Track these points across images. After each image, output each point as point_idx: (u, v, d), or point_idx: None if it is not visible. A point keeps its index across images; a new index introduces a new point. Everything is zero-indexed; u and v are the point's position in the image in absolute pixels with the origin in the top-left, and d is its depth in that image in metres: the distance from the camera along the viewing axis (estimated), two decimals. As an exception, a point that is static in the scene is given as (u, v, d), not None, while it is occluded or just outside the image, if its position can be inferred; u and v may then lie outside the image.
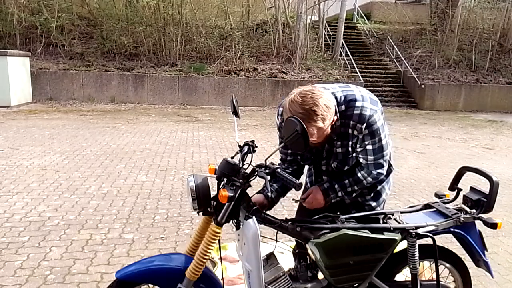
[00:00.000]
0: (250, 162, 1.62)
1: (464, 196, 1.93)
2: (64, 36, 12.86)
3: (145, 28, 12.91)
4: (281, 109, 1.86)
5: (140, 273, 1.59)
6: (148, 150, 6.24)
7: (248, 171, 1.60)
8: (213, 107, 12.45)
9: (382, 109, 1.79)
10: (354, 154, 1.80)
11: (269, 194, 1.87)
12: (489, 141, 8.30)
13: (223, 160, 1.62)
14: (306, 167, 2.09)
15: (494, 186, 1.79)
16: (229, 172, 1.60)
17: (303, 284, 1.82)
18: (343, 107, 1.71)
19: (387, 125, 1.83)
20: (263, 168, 1.59)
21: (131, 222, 3.50)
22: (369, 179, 1.82)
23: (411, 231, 1.78)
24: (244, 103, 12.67)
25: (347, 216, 1.80)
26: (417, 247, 1.80)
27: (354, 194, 1.91)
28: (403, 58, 14.52)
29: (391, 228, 1.77)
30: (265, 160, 1.61)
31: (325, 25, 15.48)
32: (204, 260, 1.59)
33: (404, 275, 2.23)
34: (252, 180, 1.60)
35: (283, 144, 1.54)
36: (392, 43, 15.22)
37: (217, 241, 1.60)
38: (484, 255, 1.87)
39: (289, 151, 1.95)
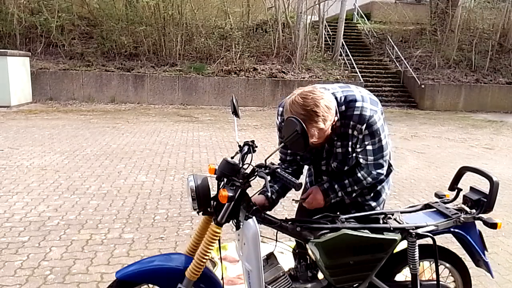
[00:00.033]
0: (250, 162, 1.62)
1: (464, 196, 1.93)
2: (64, 36, 12.86)
3: (145, 28, 12.91)
4: (281, 109, 1.86)
5: (140, 273, 1.59)
6: (148, 150, 6.24)
7: (248, 171, 1.60)
8: (213, 107, 12.45)
9: (382, 109, 1.79)
10: (354, 155, 1.80)
11: (269, 194, 1.88)
12: (489, 141, 8.30)
13: (223, 160, 1.62)
14: (306, 167, 2.09)
15: (494, 186, 1.79)
16: (229, 172, 1.60)
17: (303, 284, 1.82)
18: (343, 107, 1.71)
19: (387, 125, 1.83)
20: (263, 168, 1.59)
21: (131, 222, 3.50)
22: (369, 179, 1.83)
23: (411, 231, 1.78)
24: (244, 103, 12.67)
25: (347, 216, 1.80)
26: (417, 247, 1.80)
27: (354, 194, 1.91)
28: (403, 58, 14.52)
29: (391, 228, 1.77)
30: (265, 160, 1.61)
31: (325, 25, 15.48)
32: (204, 260, 1.59)
33: (404, 275, 2.23)
34: (252, 180, 1.60)
35: (283, 144, 1.54)
36: (392, 43, 15.22)
37: (217, 241, 1.60)
38: (484, 255, 1.87)
39: (289, 151, 1.95)
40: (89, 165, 5.29)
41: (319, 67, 14.03)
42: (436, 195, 2.05)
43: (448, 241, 2.96)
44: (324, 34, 15.37)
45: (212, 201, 1.63)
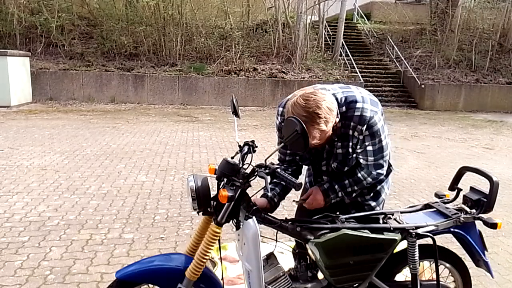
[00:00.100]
0: (250, 162, 1.62)
1: (464, 196, 1.93)
2: (64, 36, 12.86)
3: (145, 28, 12.91)
4: (280, 109, 1.86)
5: (140, 273, 1.59)
6: (148, 150, 6.24)
7: (248, 171, 1.60)
8: (213, 107, 12.45)
9: (382, 110, 1.79)
10: (354, 155, 1.80)
11: (269, 194, 1.88)
12: (489, 141, 8.30)
13: (223, 160, 1.62)
14: (305, 167, 2.09)
15: (494, 186, 1.79)
16: (229, 172, 1.59)
17: (303, 284, 1.82)
18: (343, 108, 1.71)
19: (386, 125, 1.83)
20: (263, 168, 1.59)
21: (131, 222, 3.50)
22: (369, 179, 1.83)
23: (411, 231, 1.78)
24: (244, 103, 12.67)
25: (347, 216, 1.80)
26: (417, 247, 1.80)
27: (354, 194, 1.91)
28: (403, 58, 14.52)
29: (391, 228, 1.77)
30: (265, 160, 1.61)
31: (325, 25, 15.48)
32: (204, 260, 1.59)
33: (404, 275, 2.23)
34: (252, 180, 1.60)
35: (283, 144, 1.54)
36: (392, 43, 15.22)
37: (217, 241, 1.60)
38: (484, 255, 1.87)
39: (288, 152, 1.95)
40: (89, 165, 5.29)
41: (319, 67, 14.03)
42: (436, 195, 2.05)
43: (448, 241, 2.96)
44: (324, 34, 15.37)
45: (212, 201, 1.63)
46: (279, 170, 1.56)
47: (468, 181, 2.49)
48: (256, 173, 1.58)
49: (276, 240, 1.77)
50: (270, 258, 1.81)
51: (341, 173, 1.87)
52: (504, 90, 14.10)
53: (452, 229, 1.84)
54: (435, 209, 1.94)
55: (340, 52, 14.67)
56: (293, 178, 1.50)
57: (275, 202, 1.90)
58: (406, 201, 4.30)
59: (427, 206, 1.98)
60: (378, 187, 1.97)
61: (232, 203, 1.57)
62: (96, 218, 3.56)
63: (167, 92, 12.47)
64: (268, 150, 6.50)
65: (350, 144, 1.77)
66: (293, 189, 1.56)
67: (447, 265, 1.97)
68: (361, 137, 1.73)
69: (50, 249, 2.95)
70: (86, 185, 4.46)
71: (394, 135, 8.53)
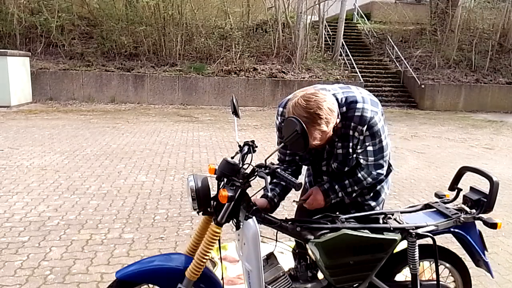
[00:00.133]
0: (250, 162, 1.62)
1: (464, 196, 1.93)
2: (64, 36, 12.86)
3: (145, 28, 12.91)
4: (280, 109, 1.86)
5: (140, 273, 1.59)
6: (148, 150, 6.24)
7: (248, 171, 1.60)
8: (213, 107, 12.45)
9: (383, 110, 1.79)
10: (354, 155, 1.80)
11: (269, 194, 1.88)
12: (489, 141, 8.30)
13: (223, 160, 1.62)
14: (305, 167, 2.09)
15: (494, 186, 1.79)
16: (229, 172, 1.59)
17: (303, 284, 1.82)
18: (344, 108, 1.71)
19: (386, 125, 1.83)
20: (263, 168, 1.59)
21: (131, 222, 3.50)
22: (369, 179, 1.83)
23: (411, 231, 1.78)
24: (244, 103, 12.67)
25: (347, 216, 1.80)
26: (417, 247, 1.80)
27: (354, 194, 1.91)
28: (403, 58, 14.52)
29: (391, 228, 1.77)
30: (265, 160, 1.61)
31: (325, 25, 15.48)
32: (204, 260, 1.59)
33: (404, 275, 2.23)
34: (252, 180, 1.60)
35: (283, 144, 1.54)
36: (392, 43, 15.22)
37: (217, 241, 1.60)
38: (484, 255, 1.87)
39: (288, 152, 1.95)
40: (89, 165, 5.29)
41: (319, 67, 14.03)
42: (436, 195, 2.05)
43: (448, 241, 2.96)
44: (324, 34, 15.37)
45: (212, 201, 1.63)
46: (279, 170, 1.56)
47: (468, 181, 2.49)
48: (256, 173, 1.58)
49: (276, 240, 1.77)
50: (270, 258, 1.81)
51: (341, 173, 1.87)
52: (504, 90, 14.10)
53: (452, 229, 1.84)
54: (435, 209, 1.94)
55: (340, 52, 14.67)
56: (293, 178, 1.50)
57: (275, 202, 1.90)
58: (406, 201, 4.30)
59: (427, 206, 1.98)
60: (378, 187, 1.97)
61: (232, 203, 1.57)
62: (96, 218, 3.56)
63: (167, 92, 12.47)
64: (268, 150, 6.50)
65: (351, 144, 1.77)
66: (293, 189, 1.56)
67: (447, 265, 1.97)
68: (361, 137, 1.73)
69: (50, 249, 2.95)
70: (86, 185, 4.46)
71: (394, 135, 8.53)
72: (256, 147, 1.72)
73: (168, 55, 13.24)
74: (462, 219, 1.83)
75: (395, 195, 4.51)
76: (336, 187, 1.84)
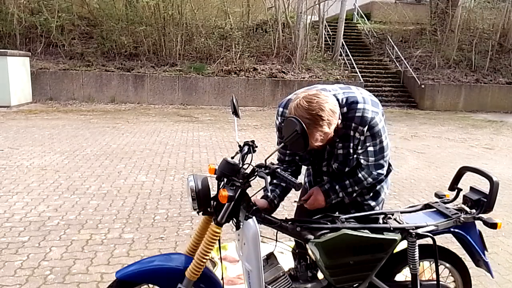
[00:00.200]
0: (250, 162, 1.62)
1: (464, 196, 1.93)
2: (64, 36, 12.86)
3: (145, 28, 12.91)
4: (280, 109, 1.86)
5: (140, 273, 1.59)
6: (148, 150, 6.24)
7: (248, 171, 1.60)
8: (213, 107, 12.45)
9: (383, 110, 1.79)
10: (355, 156, 1.80)
11: (269, 194, 1.88)
12: (489, 141, 8.30)
13: (223, 160, 1.62)
14: (304, 167, 2.09)
15: (494, 186, 1.79)
16: (229, 172, 1.59)
17: (303, 284, 1.82)
18: (344, 109, 1.71)
19: (386, 126, 1.83)
20: (263, 168, 1.59)
21: (131, 222, 3.50)
22: (370, 179, 1.83)
23: (411, 231, 1.78)
24: (244, 103, 12.67)
25: (347, 216, 1.80)
26: (417, 247, 1.80)
27: (354, 194, 1.91)
28: (403, 58, 14.52)
29: (391, 228, 1.77)
30: (265, 160, 1.61)
31: (325, 25, 15.48)
32: (204, 260, 1.59)
33: (404, 275, 2.23)
34: (252, 180, 1.60)
35: (283, 144, 1.54)
36: (392, 43, 15.22)
37: (217, 241, 1.60)
38: (484, 255, 1.87)
39: (288, 152, 1.95)
40: (89, 165, 5.29)
41: (319, 67, 14.03)
42: (436, 195, 2.05)
43: (448, 241, 2.96)
44: (324, 34, 15.37)
45: (212, 201, 1.63)
46: (279, 170, 1.56)
47: (468, 181, 2.49)
48: (256, 173, 1.58)
49: (276, 240, 1.77)
50: (270, 258, 1.81)
51: (341, 173, 1.87)
52: (504, 90, 14.10)
53: (452, 229, 1.84)
54: (435, 209, 1.94)
55: (340, 52, 14.67)
56: (293, 178, 1.50)
57: (275, 204, 1.90)
58: (406, 201, 4.30)
59: (427, 206, 1.98)
60: (378, 187, 1.97)
61: (232, 203, 1.57)
62: (96, 218, 3.56)
63: (167, 92, 12.47)
64: (268, 150, 6.50)
65: (351, 144, 1.77)
66: (293, 189, 1.56)
67: (447, 265, 1.97)
68: (362, 137, 1.73)
69: (50, 249, 2.95)
70: (86, 185, 4.46)
71: (394, 135, 8.53)
72: (256, 147, 1.72)
73: (168, 55, 13.24)
74: (462, 219, 1.83)
75: (395, 195, 4.51)
76: (337, 187, 1.84)
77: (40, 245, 3.01)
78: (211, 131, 8.15)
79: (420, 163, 6.18)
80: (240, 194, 1.58)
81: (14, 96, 10.48)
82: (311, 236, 1.69)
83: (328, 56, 14.91)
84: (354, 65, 14.08)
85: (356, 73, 13.75)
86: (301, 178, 2.10)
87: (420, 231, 1.78)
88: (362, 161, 1.80)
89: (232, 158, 1.67)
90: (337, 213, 1.92)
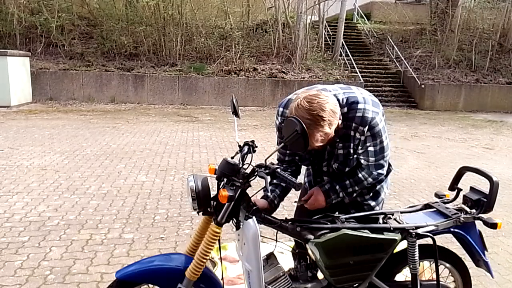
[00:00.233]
0: (250, 162, 1.62)
1: (464, 196, 1.93)
2: (64, 36, 12.86)
3: (145, 28, 12.91)
4: (281, 109, 1.86)
5: (140, 273, 1.59)
6: (148, 150, 6.24)
7: (248, 171, 1.60)
8: (213, 107, 12.45)
9: (383, 110, 1.79)
10: (355, 156, 1.80)
11: (269, 194, 1.88)
12: (489, 141, 8.30)
13: (223, 160, 1.62)
14: (304, 167, 2.09)
15: (494, 186, 1.79)
16: (229, 172, 1.59)
17: (303, 284, 1.82)
18: (345, 109, 1.71)
19: (386, 126, 1.83)
20: (263, 168, 1.59)
21: (131, 222, 3.50)
22: (370, 179, 1.83)
23: (411, 231, 1.78)
24: (244, 103, 12.67)
25: (347, 216, 1.80)
26: (417, 247, 1.80)
27: (354, 195, 1.91)
28: (403, 58, 14.52)
29: (391, 228, 1.77)
30: (265, 160, 1.61)
31: (325, 25, 15.48)
32: (204, 260, 1.59)
33: (404, 275, 2.23)
34: (252, 180, 1.60)
35: (283, 144, 1.54)
36: (392, 43, 15.22)
37: (217, 241, 1.60)
38: (484, 255, 1.87)
39: (288, 152, 1.95)
40: (89, 165, 5.29)
41: (319, 67, 14.03)
42: (436, 195, 2.05)
43: (448, 241, 2.96)
44: (324, 34, 15.37)
45: (212, 201, 1.63)
46: (279, 170, 1.56)
47: (468, 181, 2.49)
48: (256, 173, 1.58)
49: (276, 240, 1.77)
50: (270, 258, 1.81)
51: (341, 173, 1.87)
52: (504, 90, 14.10)
53: (452, 229, 1.84)
54: (435, 209, 1.94)
55: (340, 52, 14.67)
56: (293, 178, 1.50)
57: (275, 204, 1.90)
58: (406, 201, 4.30)
59: (427, 206, 1.98)
60: (378, 187, 1.97)
61: (232, 203, 1.57)
62: (96, 218, 3.56)
63: (167, 92, 12.47)
64: (268, 150, 6.50)
65: (352, 145, 1.77)
66: (293, 189, 1.56)
67: (447, 265, 1.97)
68: (362, 138, 1.73)
69: (50, 249, 2.95)
70: (86, 185, 4.46)
71: (394, 135, 8.53)
72: (256, 147, 1.72)
73: (168, 55, 13.24)
74: (462, 219, 1.83)
75: (395, 195, 4.51)
76: (337, 187, 1.84)
77: (40, 245, 3.01)
78: (211, 131, 8.15)
79: (420, 163, 6.18)
80: (240, 194, 1.58)
81: (14, 96, 10.48)
82: (311, 236, 1.69)
83: (328, 56, 14.91)
84: (354, 65, 14.08)
85: (356, 73, 13.75)
86: (301, 178, 2.10)
87: (420, 231, 1.78)
88: (362, 161, 1.80)
89: (232, 158, 1.67)
90: (337, 213, 1.92)
